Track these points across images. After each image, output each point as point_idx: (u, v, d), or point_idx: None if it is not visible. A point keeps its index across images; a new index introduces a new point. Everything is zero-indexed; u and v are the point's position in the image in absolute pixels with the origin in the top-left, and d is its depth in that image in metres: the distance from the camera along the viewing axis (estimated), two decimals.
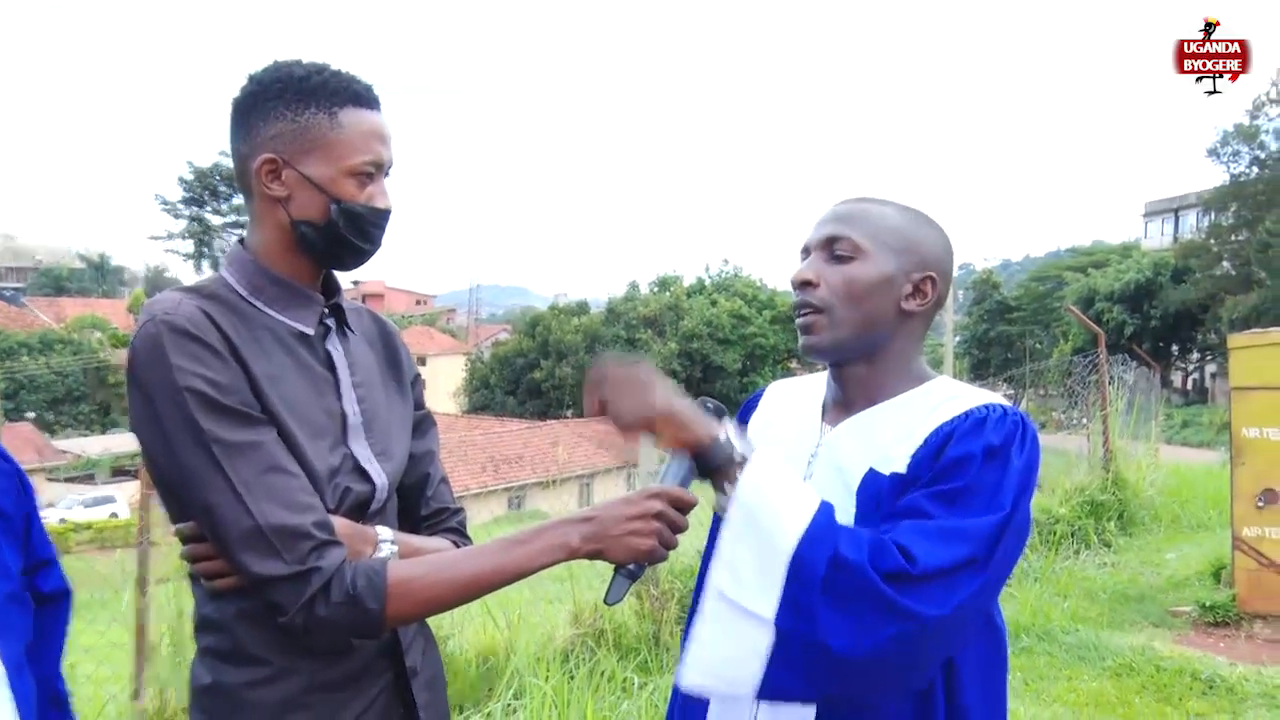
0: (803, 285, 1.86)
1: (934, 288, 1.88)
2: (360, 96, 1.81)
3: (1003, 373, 43.54)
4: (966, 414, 1.76)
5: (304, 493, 1.69)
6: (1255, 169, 44.86)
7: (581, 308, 54.06)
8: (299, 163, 1.78)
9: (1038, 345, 57.61)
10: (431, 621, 1.99)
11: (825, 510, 1.66)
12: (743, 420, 2.05)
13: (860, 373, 1.89)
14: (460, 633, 5.22)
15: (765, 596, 1.60)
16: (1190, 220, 55.86)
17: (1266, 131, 44.33)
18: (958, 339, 61.32)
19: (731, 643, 1.61)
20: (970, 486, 1.67)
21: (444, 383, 52.41)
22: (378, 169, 1.83)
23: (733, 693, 1.63)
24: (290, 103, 1.78)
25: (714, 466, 1.73)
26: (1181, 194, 59.90)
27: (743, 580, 1.62)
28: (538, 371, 49.79)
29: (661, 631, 5.44)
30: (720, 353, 51.22)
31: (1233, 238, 45.87)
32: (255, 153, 1.79)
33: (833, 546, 1.60)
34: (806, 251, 1.90)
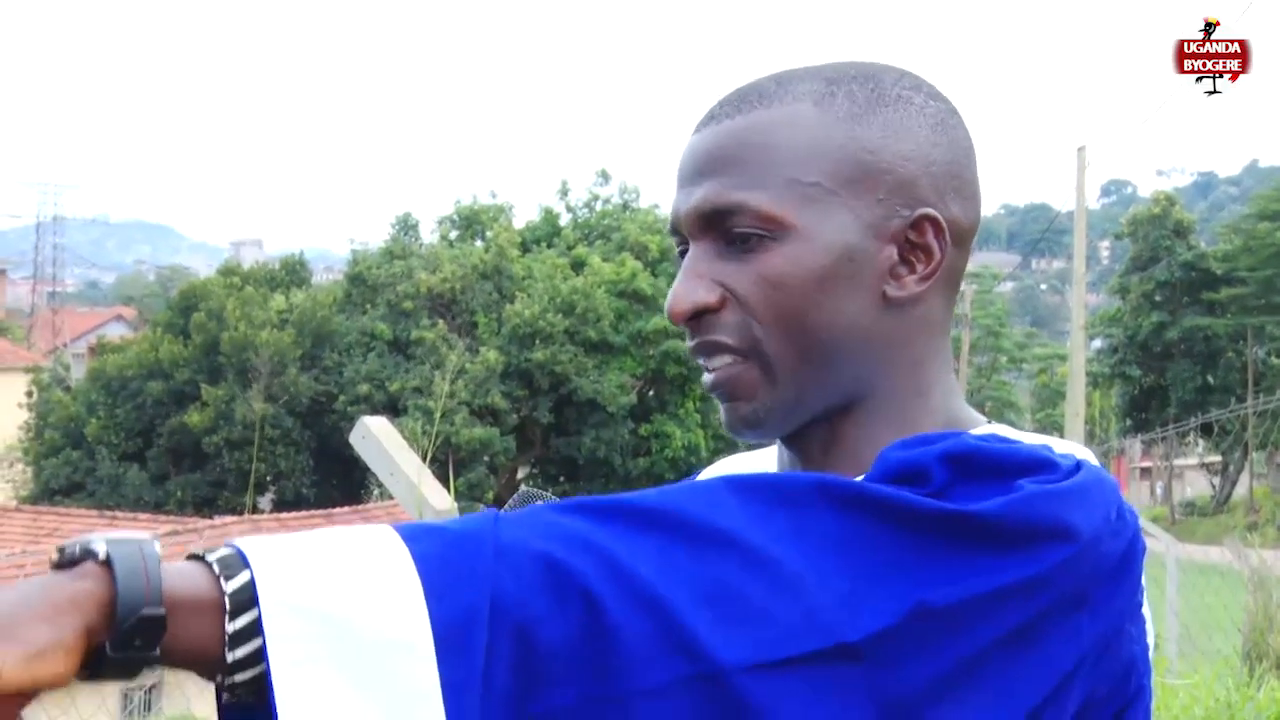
0: (696, 319, 1.03)
1: (939, 234, 1.03)
2: None
3: (1189, 416, 28.29)
4: None
5: None
6: None
7: (291, 270, 31.40)
8: None
9: (1276, 358, 33.66)
10: None
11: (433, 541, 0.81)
12: None
13: (833, 436, 1.06)
14: None
15: None
16: None
17: None
18: (1097, 344, 35.70)
19: None
20: None
21: None
22: None
23: None
24: None
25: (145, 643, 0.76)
26: None
27: None
28: (195, 411, 27.01)
29: None
30: (590, 371, 26.29)
31: None
32: None
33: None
34: (679, 237, 1.06)
